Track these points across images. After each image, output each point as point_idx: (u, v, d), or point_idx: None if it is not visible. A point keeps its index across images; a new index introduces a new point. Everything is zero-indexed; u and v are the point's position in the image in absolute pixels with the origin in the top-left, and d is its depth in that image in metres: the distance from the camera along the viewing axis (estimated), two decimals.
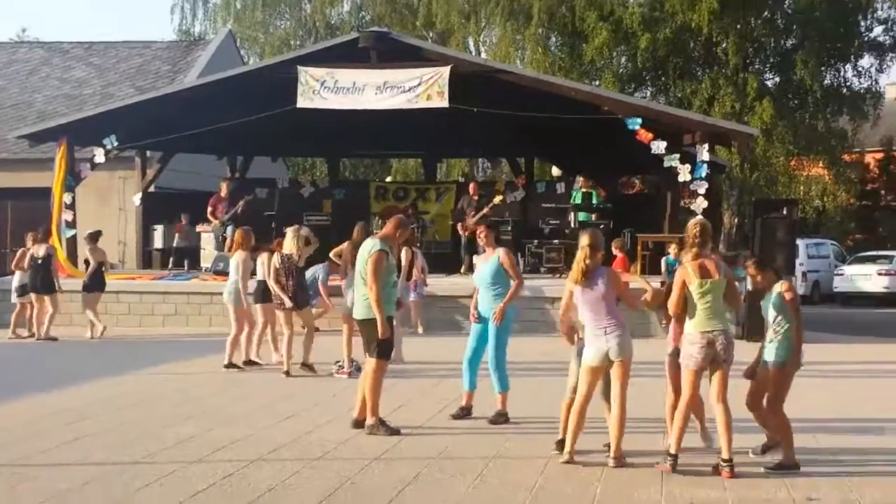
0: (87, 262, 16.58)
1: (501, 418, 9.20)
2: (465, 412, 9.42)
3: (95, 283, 16.51)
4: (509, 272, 9.22)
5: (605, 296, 7.53)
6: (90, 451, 8.09)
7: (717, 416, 7.40)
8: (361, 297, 8.82)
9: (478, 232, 9.81)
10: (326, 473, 7.40)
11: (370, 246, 8.81)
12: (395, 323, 9.57)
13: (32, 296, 16.16)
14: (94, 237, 16.73)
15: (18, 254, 16.91)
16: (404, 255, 13.93)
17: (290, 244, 12.34)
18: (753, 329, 15.03)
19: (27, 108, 26.98)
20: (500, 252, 9.29)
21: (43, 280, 16.10)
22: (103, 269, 16.60)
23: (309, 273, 13.66)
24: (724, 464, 7.26)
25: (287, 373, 12.07)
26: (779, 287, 7.68)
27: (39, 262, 16.15)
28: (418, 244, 17.80)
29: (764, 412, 7.74)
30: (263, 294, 12.88)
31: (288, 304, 12.25)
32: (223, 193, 19.79)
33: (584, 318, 7.60)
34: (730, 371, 7.48)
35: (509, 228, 19.27)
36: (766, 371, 7.68)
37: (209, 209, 19.62)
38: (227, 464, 7.62)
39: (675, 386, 7.80)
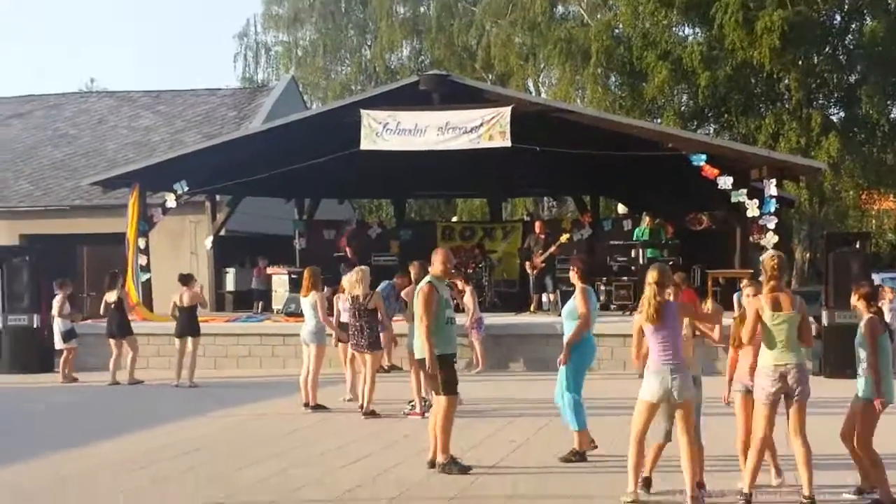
0: (175, 306, 15.59)
1: (575, 457, 9.05)
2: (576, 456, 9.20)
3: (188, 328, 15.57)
4: (576, 311, 9.05)
5: (675, 333, 7.48)
6: (169, 493, 8.21)
7: (796, 452, 7.30)
8: (417, 337, 8.81)
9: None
10: None
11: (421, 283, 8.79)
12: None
13: (111, 341, 16.34)
14: (187, 279, 15.83)
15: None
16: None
17: (356, 287, 12.26)
18: (832, 365, 14.81)
19: (98, 155, 27.61)
20: (577, 290, 9.15)
21: (119, 324, 16.37)
22: (197, 312, 15.81)
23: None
24: (806, 500, 7.13)
25: (362, 407, 12.03)
26: (862, 322, 7.61)
27: (112, 307, 16.41)
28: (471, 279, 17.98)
29: (856, 447, 7.60)
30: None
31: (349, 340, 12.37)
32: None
33: (651, 353, 7.53)
34: (807, 405, 7.38)
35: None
36: (857, 405, 7.57)
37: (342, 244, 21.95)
38: None
39: (746, 423, 7.75)
